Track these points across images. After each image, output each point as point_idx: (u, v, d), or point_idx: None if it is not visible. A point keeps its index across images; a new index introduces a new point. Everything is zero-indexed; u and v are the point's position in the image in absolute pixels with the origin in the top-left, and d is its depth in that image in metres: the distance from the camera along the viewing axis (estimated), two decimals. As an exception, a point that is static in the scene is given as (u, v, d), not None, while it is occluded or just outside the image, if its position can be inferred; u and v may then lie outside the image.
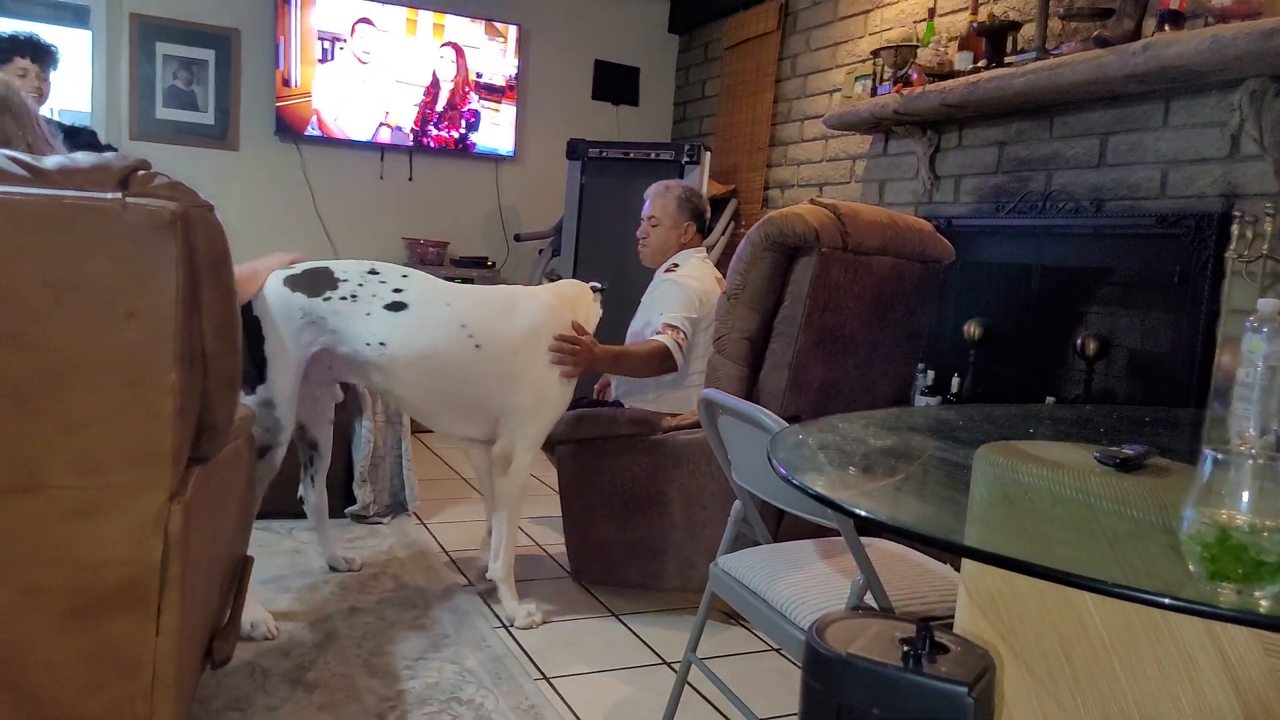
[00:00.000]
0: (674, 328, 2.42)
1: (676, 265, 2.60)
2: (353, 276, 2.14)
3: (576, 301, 2.33)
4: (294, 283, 2.10)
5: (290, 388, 2.08)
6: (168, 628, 1.23)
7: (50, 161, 1.22)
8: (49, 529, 1.19)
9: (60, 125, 3.34)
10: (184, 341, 1.21)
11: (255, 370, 2.04)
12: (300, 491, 2.43)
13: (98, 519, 1.19)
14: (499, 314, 2.21)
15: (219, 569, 1.56)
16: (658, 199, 2.66)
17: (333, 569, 2.46)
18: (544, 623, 2.25)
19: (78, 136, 3.41)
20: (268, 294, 2.06)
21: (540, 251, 4.62)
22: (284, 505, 2.76)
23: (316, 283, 2.12)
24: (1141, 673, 0.90)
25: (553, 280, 2.55)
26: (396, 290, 2.15)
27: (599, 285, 2.45)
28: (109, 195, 1.18)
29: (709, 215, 2.72)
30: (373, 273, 2.16)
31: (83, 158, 1.24)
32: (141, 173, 1.24)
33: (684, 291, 2.49)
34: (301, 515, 2.52)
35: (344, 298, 2.11)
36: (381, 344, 2.11)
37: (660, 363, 2.40)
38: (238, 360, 1.35)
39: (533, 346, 2.20)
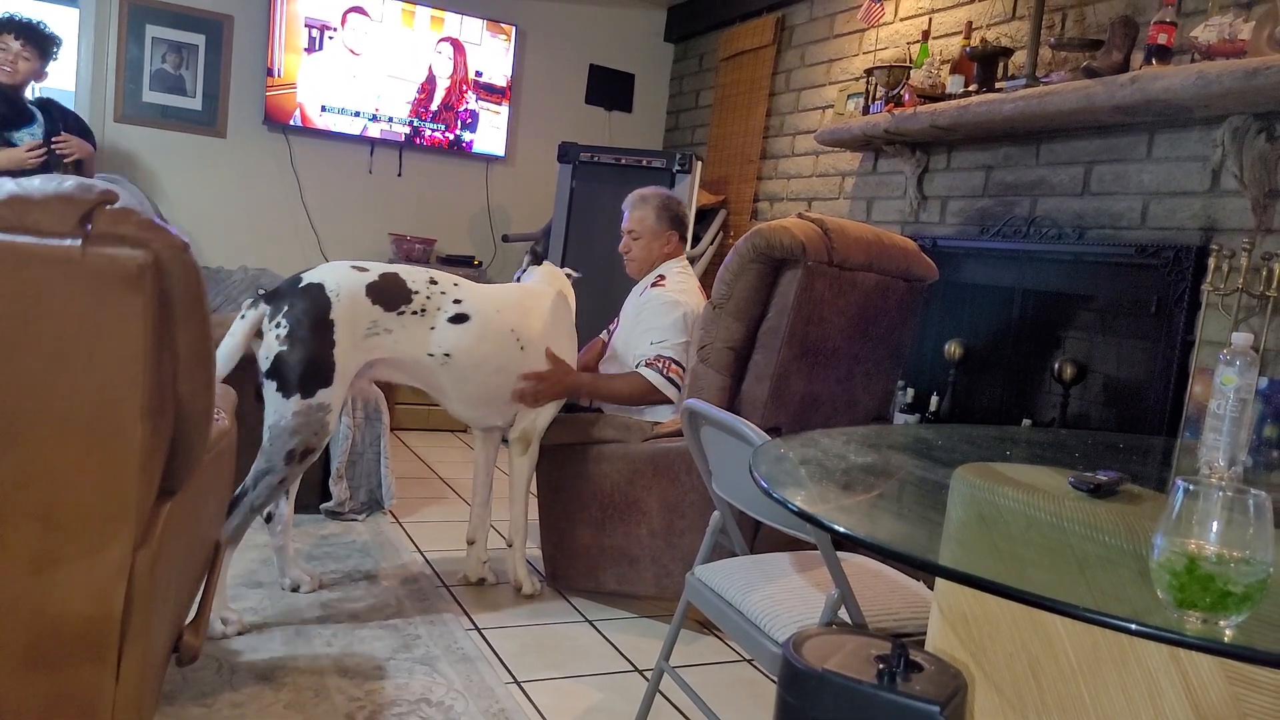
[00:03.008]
0: (666, 359, 2.36)
1: (663, 277, 2.52)
2: (420, 288, 2.17)
3: (564, 287, 2.47)
4: (374, 293, 2.10)
5: (345, 393, 2.09)
6: (129, 673, 1.17)
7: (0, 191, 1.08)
8: (7, 581, 1.12)
9: (43, 102, 3.30)
10: (151, 389, 1.12)
11: (322, 374, 2.02)
12: (269, 507, 2.19)
13: (58, 571, 1.13)
14: (529, 313, 2.32)
15: (190, 572, 1.53)
16: (635, 210, 2.56)
17: (294, 589, 2.27)
18: (534, 595, 2.43)
19: (66, 118, 3.36)
20: (348, 300, 2.05)
21: (528, 253, 4.61)
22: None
23: (393, 295, 2.12)
24: (1106, 696, 0.92)
25: (537, 258, 2.51)
26: (456, 301, 2.20)
27: (573, 273, 2.52)
28: (66, 241, 1.05)
29: (690, 222, 2.68)
30: (432, 282, 2.19)
31: (38, 186, 1.08)
32: (109, 207, 1.09)
33: (675, 313, 2.41)
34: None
35: (414, 312, 2.14)
36: (446, 355, 2.18)
37: (644, 397, 2.37)
38: (212, 396, 1.27)
39: (554, 340, 2.36)
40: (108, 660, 1.16)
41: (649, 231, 2.55)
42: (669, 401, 2.38)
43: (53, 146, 3.22)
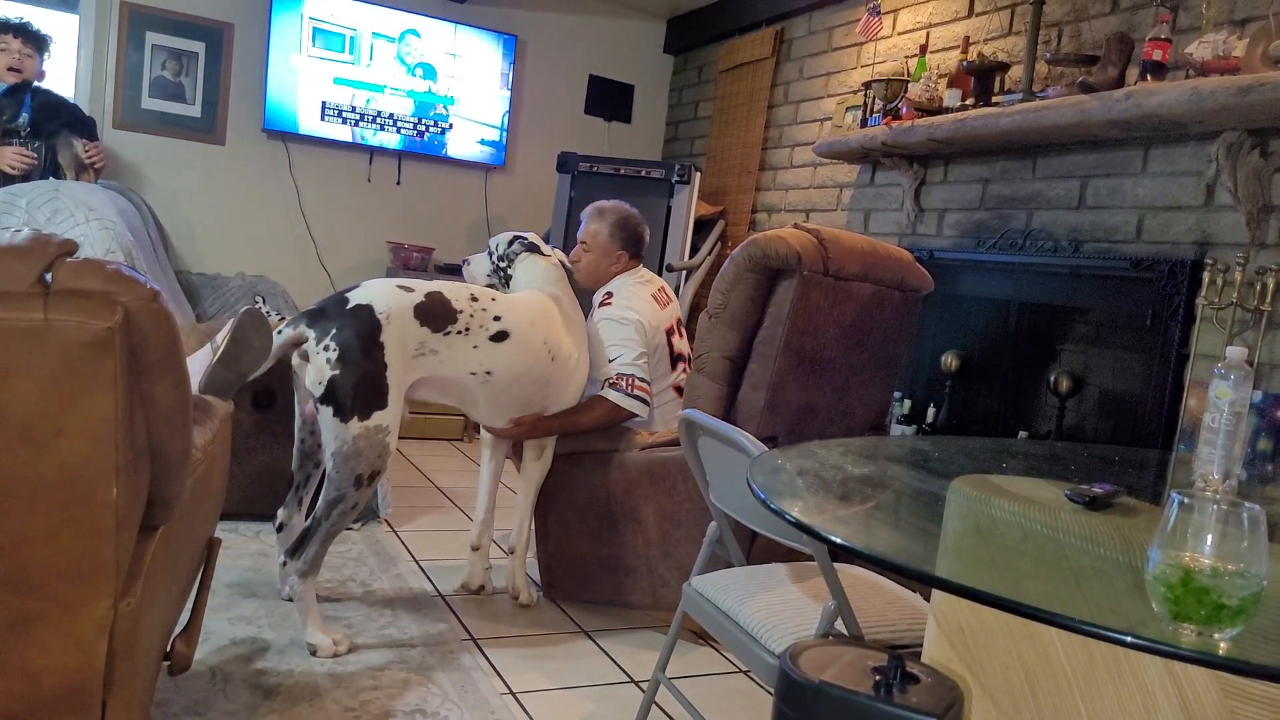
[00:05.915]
0: (628, 376, 2.36)
1: (611, 295, 2.52)
2: (464, 306, 2.14)
3: (563, 281, 2.43)
4: (421, 314, 2.07)
5: (400, 414, 2.06)
6: None
7: None
8: None
9: (36, 91, 3.31)
10: (125, 448, 1.08)
11: (377, 396, 1.99)
12: (281, 517, 2.23)
13: (36, 629, 1.10)
14: (553, 320, 2.31)
15: (182, 579, 1.51)
16: (591, 222, 2.56)
17: (290, 599, 2.24)
18: (529, 605, 2.44)
19: (66, 113, 3.39)
20: (398, 322, 2.02)
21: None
22: (252, 507, 2.73)
23: (440, 315, 2.10)
24: (1102, 708, 0.92)
25: (528, 245, 2.45)
26: (496, 319, 2.18)
27: (565, 260, 2.48)
28: (28, 316, 0.99)
29: (647, 238, 2.61)
30: (473, 299, 2.17)
31: None
32: (69, 259, 1.02)
33: (625, 329, 2.41)
34: (271, 517, 2.48)
35: (459, 331, 2.12)
36: (488, 373, 2.17)
37: (613, 419, 2.37)
38: (189, 437, 1.23)
39: (574, 344, 2.35)
40: (91, 714, 1.13)
41: (599, 248, 2.55)
42: (637, 415, 2.38)
43: (88, 160, 3.30)
